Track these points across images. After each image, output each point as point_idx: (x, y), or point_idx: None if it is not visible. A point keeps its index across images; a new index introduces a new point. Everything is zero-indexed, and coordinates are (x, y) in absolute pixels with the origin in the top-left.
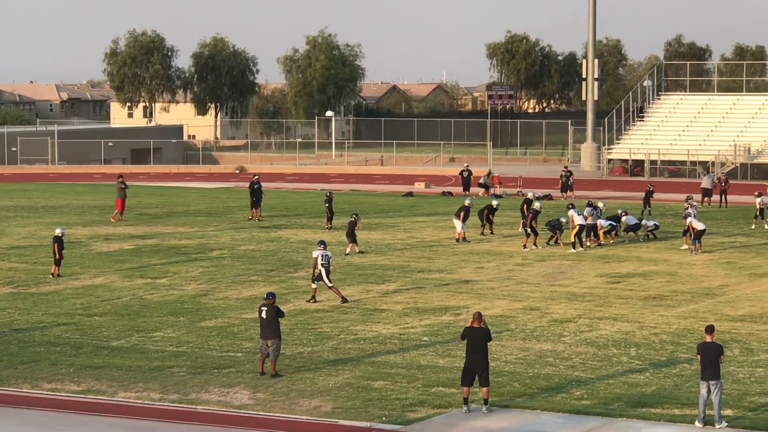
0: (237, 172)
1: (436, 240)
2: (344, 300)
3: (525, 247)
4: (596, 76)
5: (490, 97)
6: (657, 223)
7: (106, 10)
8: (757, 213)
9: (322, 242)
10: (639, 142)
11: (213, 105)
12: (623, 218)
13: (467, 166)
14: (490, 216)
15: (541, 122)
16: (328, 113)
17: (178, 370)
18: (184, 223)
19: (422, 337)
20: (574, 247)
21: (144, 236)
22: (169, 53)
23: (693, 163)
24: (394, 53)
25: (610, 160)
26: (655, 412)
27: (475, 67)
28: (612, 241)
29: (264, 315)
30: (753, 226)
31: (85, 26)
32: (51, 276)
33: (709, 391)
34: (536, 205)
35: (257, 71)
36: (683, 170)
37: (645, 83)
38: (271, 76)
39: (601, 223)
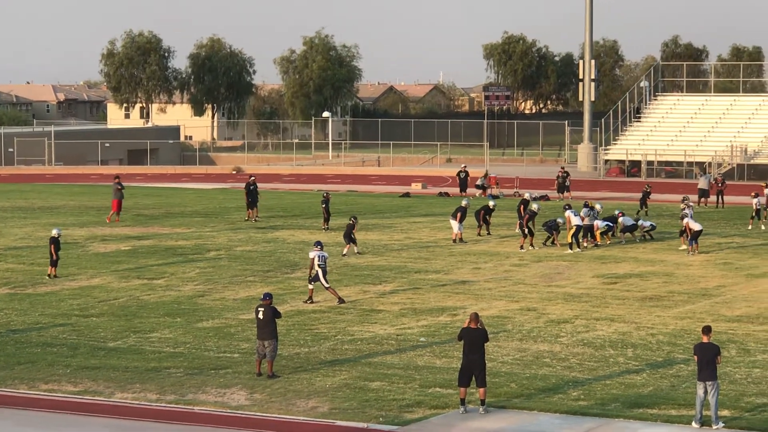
0: (234, 172)
1: (433, 241)
2: (341, 301)
3: (522, 247)
4: (593, 76)
5: (486, 97)
6: (654, 224)
7: (103, 11)
8: (754, 213)
9: (318, 243)
10: (636, 142)
11: (210, 106)
12: (620, 219)
13: (464, 166)
14: (487, 217)
15: (538, 123)
16: (325, 114)
17: (175, 370)
18: (181, 224)
19: (419, 337)
20: (570, 248)
21: (141, 237)
22: (166, 54)
23: (690, 163)
24: (390, 54)
25: (606, 161)
26: (652, 412)
27: (472, 68)
28: (609, 242)
29: (261, 316)
30: (750, 227)
31: (82, 27)
32: (47, 277)
33: (705, 392)
34: (534, 206)
35: (254, 72)
36: (680, 171)
37: (642, 84)
38: (267, 77)
39: (598, 223)
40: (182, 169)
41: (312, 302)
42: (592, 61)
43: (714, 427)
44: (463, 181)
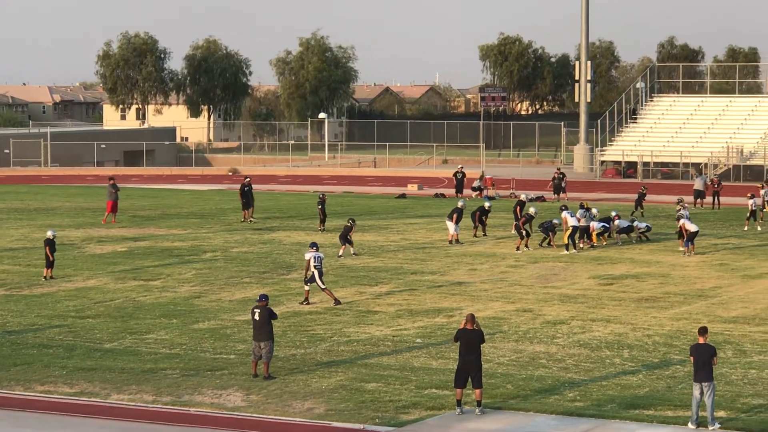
0: (230, 174)
1: (429, 242)
2: (337, 302)
3: (518, 249)
4: (589, 77)
5: (483, 98)
6: (649, 225)
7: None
8: (749, 215)
9: (314, 244)
10: (632, 143)
11: (206, 107)
12: (615, 222)
13: (461, 167)
14: (483, 218)
15: (534, 124)
16: (321, 115)
17: (171, 372)
18: (177, 225)
19: (415, 338)
20: (567, 249)
21: (137, 238)
22: (162, 55)
23: (686, 164)
24: (386, 55)
25: (603, 162)
26: (648, 413)
27: (468, 69)
28: (605, 243)
29: (257, 317)
30: (746, 228)
31: (78, 28)
32: (44, 279)
33: (702, 393)
34: (531, 210)
35: (250, 73)
36: (676, 172)
37: (638, 85)
38: (263, 78)
39: (594, 225)
40: (178, 170)
41: (308, 303)
42: (588, 63)
43: (710, 428)
44: (460, 181)
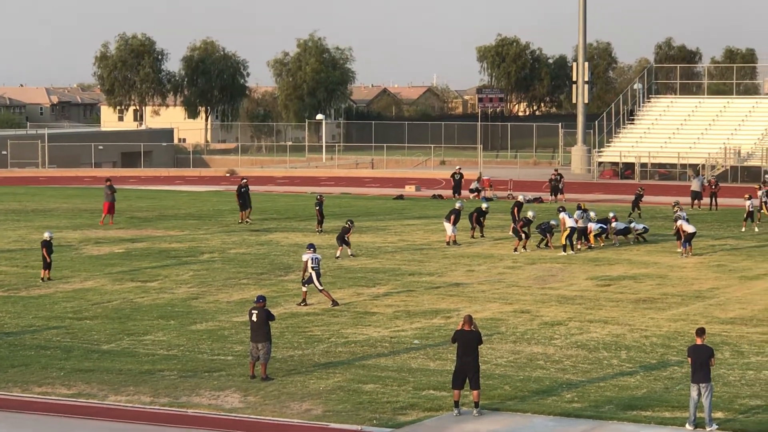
0: (227, 175)
1: (427, 243)
2: (335, 303)
3: (516, 250)
4: (586, 79)
5: (480, 100)
6: (646, 227)
7: (97, 14)
8: (747, 215)
9: (311, 245)
10: (629, 145)
11: (203, 108)
12: (612, 224)
13: (459, 168)
14: (481, 219)
15: (532, 125)
16: (319, 116)
17: (168, 373)
18: (174, 227)
19: (413, 340)
20: (564, 250)
21: (134, 239)
22: (160, 57)
23: (683, 166)
24: (384, 56)
25: (600, 163)
26: (646, 414)
27: (466, 70)
28: (602, 244)
29: (254, 318)
30: (743, 229)
31: (75, 30)
32: (41, 280)
33: (699, 394)
34: (530, 214)
35: (247, 74)
36: (673, 173)
37: (635, 86)
38: (261, 80)
39: (592, 226)
40: (176, 171)
41: (305, 305)
42: (586, 64)
43: (708, 429)
44: (458, 183)
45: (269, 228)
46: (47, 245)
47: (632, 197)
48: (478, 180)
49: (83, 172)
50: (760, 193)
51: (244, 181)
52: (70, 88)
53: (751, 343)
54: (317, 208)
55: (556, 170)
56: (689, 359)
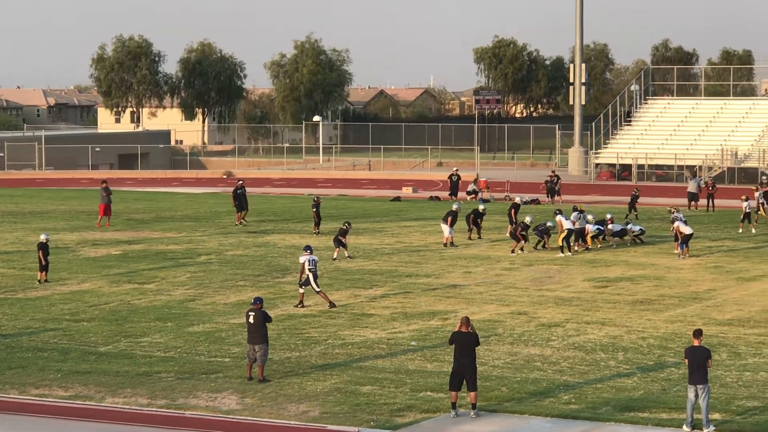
0: (224, 177)
1: (424, 245)
2: (332, 305)
3: (513, 252)
4: (583, 80)
5: (477, 101)
6: (643, 228)
7: (94, 16)
8: (744, 217)
9: (308, 247)
10: (626, 146)
11: (200, 110)
12: (609, 226)
13: (456, 170)
14: (478, 220)
15: (529, 127)
16: (316, 118)
17: (165, 375)
18: (171, 228)
19: (410, 341)
20: (562, 252)
21: (131, 241)
22: (157, 58)
23: (680, 167)
24: (381, 58)
25: (597, 165)
26: (643, 416)
27: (463, 72)
28: (599, 246)
29: (251, 320)
30: (740, 230)
31: (72, 31)
32: (38, 282)
33: (696, 395)
34: (527, 219)
35: (244, 76)
36: (670, 174)
37: (632, 88)
38: (258, 81)
39: (589, 227)
40: (173, 173)
41: (303, 306)
42: (583, 65)
43: (705, 430)
44: (455, 184)
45: (266, 230)
46: (43, 247)
47: (629, 199)
48: (475, 182)
49: (80, 174)
50: (757, 194)
51: (240, 182)
52: (67, 90)
53: (748, 344)
54: (314, 209)
55: (553, 171)
56: (686, 360)
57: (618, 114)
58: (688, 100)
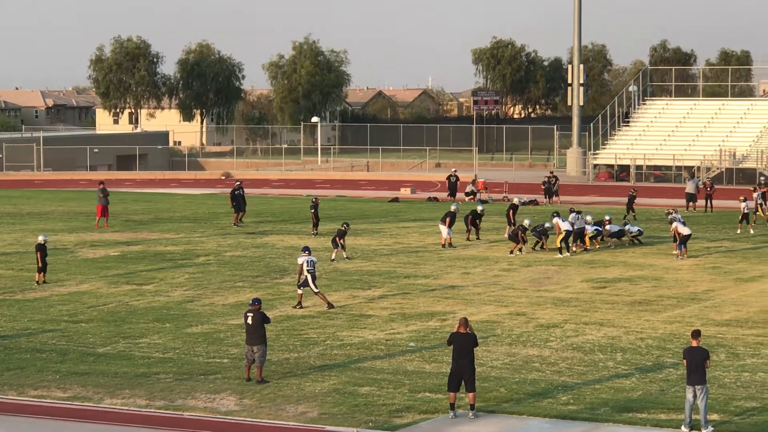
0: (223, 178)
1: (422, 245)
2: (330, 306)
3: (512, 252)
4: (582, 81)
5: (475, 102)
6: (641, 229)
7: (92, 17)
8: (742, 217)
9: (306, 248)
10: (624, 147)
11: (198, 111)
12: (606, 227)
13: (454, 171)
14: (476, 221)
15: (527, 127)
16: (314, 119)
17: (164, 376)
18: (169, 230)
19: (408, 342)
20: (560, 253)
21: (130, 242)
22: (155, 59)
23: (678, 168)
24: (379, 59)
25: (595, 165)
26: (642, 416)
27: (461, 73)
28: (598, 246)
29: (250, 321)
30: (738, 231)
31: (70, 33)
32: (36, 283)
33: (695, 396)
34: (526, 222)
35: (243, 77)
36: (669, 175)
37: (630, 88)
38: (256, 82)
39: (588, 228)
40: (171, 174)
41: (301, 307)
42: (581, 66)
43: (703, 431)
44: (453, 185)
45: (265, 231)
46: (42, 248)
47: (626, 199)
48: (473, 182)
49: (79, 175)
50: (755, 195)
51: (238, 183)
52: (66, 91)
53: (746, 345)
54: (312, 210)
55: (551, 172)
56: (685, 361)
57: (616, 115)
58: (686, 101)
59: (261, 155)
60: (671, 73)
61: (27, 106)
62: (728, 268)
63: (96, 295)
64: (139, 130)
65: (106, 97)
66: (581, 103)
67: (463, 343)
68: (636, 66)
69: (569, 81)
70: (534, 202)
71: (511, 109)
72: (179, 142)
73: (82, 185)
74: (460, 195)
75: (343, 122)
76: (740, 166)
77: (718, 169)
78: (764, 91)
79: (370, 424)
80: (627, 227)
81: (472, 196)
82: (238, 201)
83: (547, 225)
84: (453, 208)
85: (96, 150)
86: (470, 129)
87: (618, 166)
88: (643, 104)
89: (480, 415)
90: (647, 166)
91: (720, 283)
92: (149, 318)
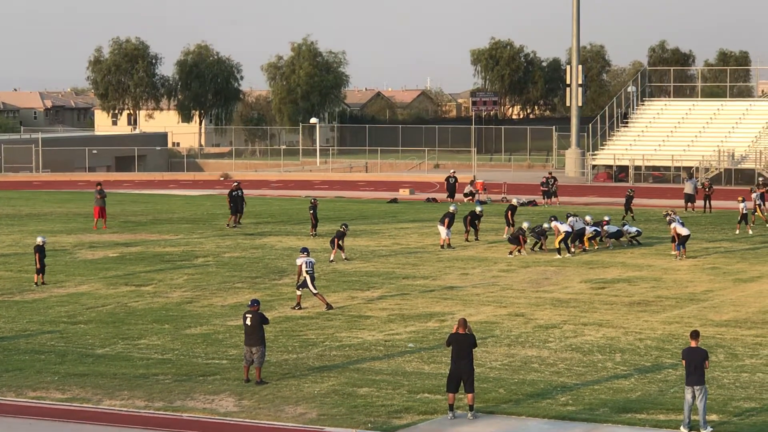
0: (221, 179)
1: (421, 246)
2: (329, 307)
3: (511, 253)
4: (580, 82)
5: (474, 103)
6: (639, 230)
7: (91, 18)
8: (741, 218)
9: (305, 249)
10: (623, 147)
11: (197, 112)
12: (605, 227)
13: (453, 172)
14: (475, 222)
15: (526, 128)
16: (313, 120)
17: (163, 377)
18: (168, 231)
19: (407, 343)
20: (559, 253)
21: (129, 244)
22: (153, 61)
23: (677, 168)
24: (378, 59)
25: (594, 166)
26: (641, 417)
27: (460, 74)
28: (596, 247)
29: (248, 322)
30: (737, 232)
31: (69, 34)
32: (34, 285)
33: (694, 397)
34: (524, 225)
35: (241, 78)
36: (667, 176)
37: (629, 89)
38: (255, 84)
39: (587, 228)
40: (170, 175)
41: (300, 308)
42: (579, 67)
43: (702, 431)
44: (452, 186)
45: (263, 232)
46: (40, 250)
47: (624, 200)
48: (472, 183)
49: (77, 176)
50: (753, 195)
51: (236, 184)
52: (64, 93)
53: (745, 345)
54: (311, 211)
55: (550, 173)
56: (683, 362)
57: (615, 115)
58: (684, 102)
59: (260, 156)
60: (670, 73)
61: (25, 107)
62: (727, 268)
63: (95, 296)
64: (137, 131)
65: (104, 99)
66: (580, 104)
67: (462, 343)
68: (635, 66)
69: (568, 81)
70: (533, 203)
71: (510, 109)
72: (178, 144)
73: (81, 186)
74: (458, 196)
75: (341, 123)
76: (739, 166)
77: (716, 169)
78: (763, 91)
79: (369, 425)
80: (625, 228)
81: (470, 197)
82: (235, 202)
83: (545, 225)
84: (452, 208)
85: (95, 151)
86: (469, 130)
87: (617, 166)
88: (642, 105)
89: (479, 416)
90: (646, 166)
91: (719, 283)
92: (148, 319)
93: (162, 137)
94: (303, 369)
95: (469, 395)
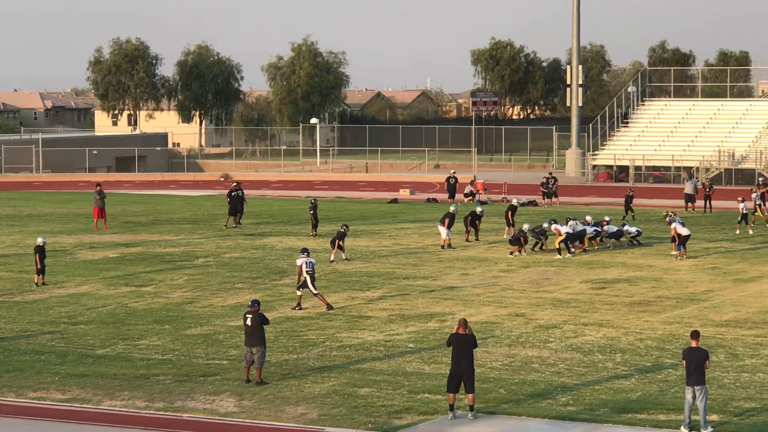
0: (222, 179)
1: (421, 247)
2: (329, 307)
3: (511, 253)
4: (580, 82)
5: (474, 103)
6: (640, 230)
7: (91, 18)
8: (741, 218)
9: (305, 250)
10: (623, 147)
11: (197, 113)
12: (604, 227)
13: (453, 172)
14: (476, 222)
15: (526, 128)
16: (313, 120)
17: (163, 378)
18: (169, 231)
19: (408, 343)
20: (559, 254)
21: (129, 244)
22: (154, 61)
23: (677, 168)
24: (378, 60)
25: (594, 166)
26: (641, 417)
27: (460, 74)
28: (597, 247)
29: (249, 322)
30: (737, 232)
31: (69, 34)
32: (35, 285)
33: (694, 397)
34: (525, 226)
35: (242, 79)
36: (668, 176)
37: (629, 89)
38: (255, 84)
39: (587, 229)
40: (170, 176)
41: (300, 309)
42: (580, 67)
43: (703, 431)
44: (452, 187)
45: (264, 232)
46: (40, 251)
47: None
48: (472, 183)
49: (77, 176)
50: (754, 195)
51: (235, 185)
52: (64, 93)
53: (745, 345)
54: (311, 212)
55: (550, 173)
56: (684, 362)
57: (615, 115)
58: (685, 102)
59: (260, 157)
60: (670, 73)
61: (26, 107)
62: (727, 268)
63: (95, 296)
64: (138, 131)
65: (104, 99)
66: (580, 104)
67: (463, 344)
68: (635, 66)
69: (568, 82)
70: (533, 203)
71: (510, 110)
72: (178, 144)
73: (81, 187)
74: (459, 196)
75: (342, 123)
76: (739, 166)
77: (716, 169)
78: (763, 91)
79: (370, 425)
80: (625, 228)
81: (471, 197)
82: (234, 202)
83: (545, 226)
84: (452, 209)
85: (95, 152)
86: (469, 130)
87: (617, 166)
88: (642, 105)
89: (479, 416)
90: (646, 166)
91: (719, 283)
92: (148, 319)
93: (162, 138)
94: (303, 369)
95: (470, 395)
